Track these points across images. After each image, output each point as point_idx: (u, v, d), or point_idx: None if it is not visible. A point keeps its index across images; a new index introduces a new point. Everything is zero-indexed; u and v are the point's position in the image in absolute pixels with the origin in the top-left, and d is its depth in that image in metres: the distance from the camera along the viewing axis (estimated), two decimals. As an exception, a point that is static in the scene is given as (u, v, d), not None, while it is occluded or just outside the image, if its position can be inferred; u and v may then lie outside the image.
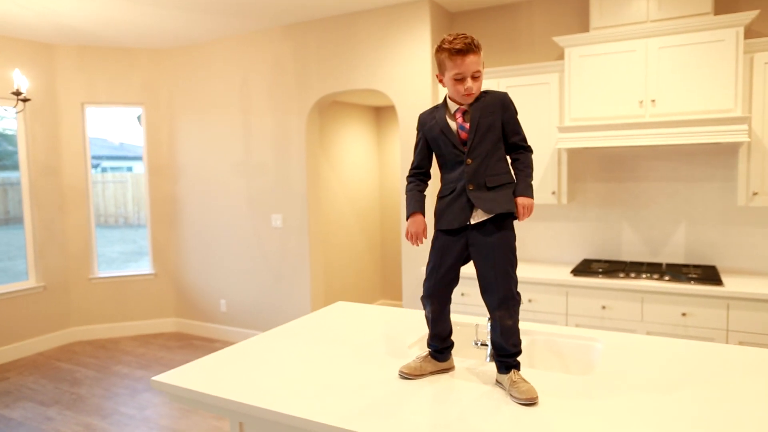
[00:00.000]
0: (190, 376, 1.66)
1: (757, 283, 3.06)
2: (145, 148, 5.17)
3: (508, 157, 1.63)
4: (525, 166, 1.59)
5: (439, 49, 1.56)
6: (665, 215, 3.53)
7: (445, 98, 1.63)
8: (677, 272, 3.21)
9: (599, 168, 3.68)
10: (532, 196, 1.57)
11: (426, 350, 1.71)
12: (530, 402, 1.44)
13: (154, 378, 1.65)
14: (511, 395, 1.48)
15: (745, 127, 2.82)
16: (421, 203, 1.71)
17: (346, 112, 5.44)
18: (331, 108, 5.19)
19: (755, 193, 3.03)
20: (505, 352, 1.55)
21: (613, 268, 3.41)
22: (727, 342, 2.94)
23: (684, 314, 3.01)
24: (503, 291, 1.52)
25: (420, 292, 3.96)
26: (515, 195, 1.57)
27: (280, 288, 4.68)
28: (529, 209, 1.57)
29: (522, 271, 3.39)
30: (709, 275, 3.13)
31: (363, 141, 5.72)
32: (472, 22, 4.04)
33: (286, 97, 4.47)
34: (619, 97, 3.21)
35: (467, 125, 1.56)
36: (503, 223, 1.56)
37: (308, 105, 4.35)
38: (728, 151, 3.32)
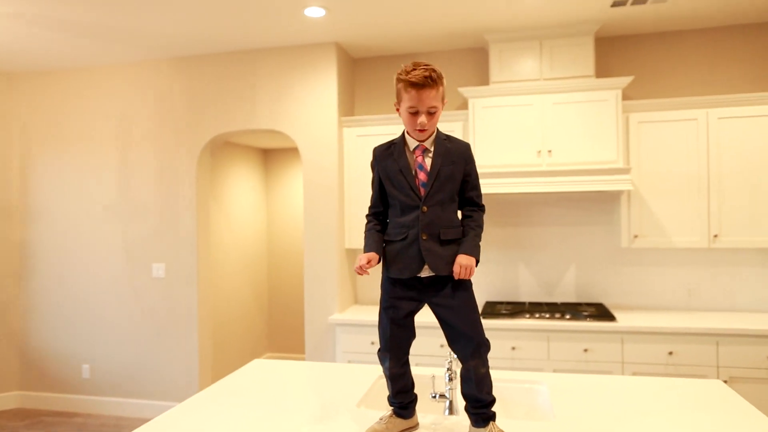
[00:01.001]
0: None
1: (641, 317, 3.37)
2: (-12, 187, 4.33)
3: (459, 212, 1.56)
4: (476, 225, 1.51)
5: (397, 78, 1.46)
6: (558, 257, 3.78)
7: (403, 133, 1.54)
8: (574, 310, 3.43)
9: (499, 213, 3.86)
10: (475, 256, 1.47)
11: (388, 409, 1.55)
12: (516, 457, 1.35)
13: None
14: (492, 451, 1.38)
15: (628, 177, 3.16)
16: (378, 243, 1.56)
17: (234, 153, 5.14)
18: (220, 149, 4.86)
19: (636, 236, 3.38)
20: (482, 403, 1.46)
21: (517, 309, 3.53)
22: (623, 373, 3.17)
23: (586, 350, 3.20)
24: (476, 338, 1.45)
25: (328, 342, 3.74)
26: (459, 251, 1.47)
27: (161, 346, 4.11)
28: (468, 270, 1.44)
29: (430, 317, 3.37)
30: (602, 312, 3.39)
31: (250, 184, 5.42)
32: (374, 68, 4.09)
33: (175, 134, 4.07)
34: (520, 146, 3.43)
35: (427, 166, 1.48)
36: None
37: (200, 144, 4.01)
38: (611, 199, 3.69)
